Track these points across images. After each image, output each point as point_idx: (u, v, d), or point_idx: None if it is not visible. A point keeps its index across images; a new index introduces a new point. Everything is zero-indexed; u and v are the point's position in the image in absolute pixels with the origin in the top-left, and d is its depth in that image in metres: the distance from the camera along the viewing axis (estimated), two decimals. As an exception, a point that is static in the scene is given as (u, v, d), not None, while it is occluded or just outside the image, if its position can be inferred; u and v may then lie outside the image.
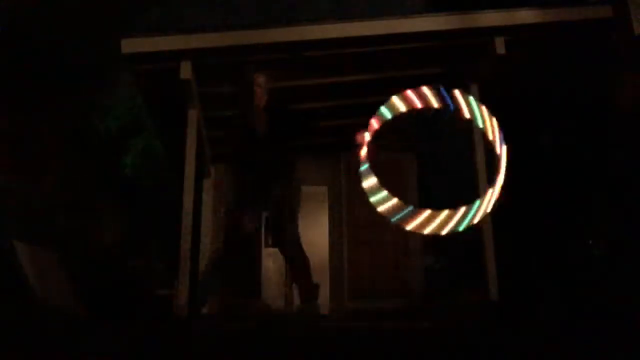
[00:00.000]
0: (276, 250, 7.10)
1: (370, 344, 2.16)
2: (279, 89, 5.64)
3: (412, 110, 3.11)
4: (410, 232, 7.92)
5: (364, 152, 2.90)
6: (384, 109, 2.98)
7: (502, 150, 2.96)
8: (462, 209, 2.90)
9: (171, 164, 7.75)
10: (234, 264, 3.45)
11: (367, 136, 2.90)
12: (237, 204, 3.47)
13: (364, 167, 2.93)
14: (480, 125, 3.03)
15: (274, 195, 3.36)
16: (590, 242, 6.92)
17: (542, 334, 2.21)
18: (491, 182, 2.97)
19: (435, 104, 3.01)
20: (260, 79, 3.53)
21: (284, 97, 3.90)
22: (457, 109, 3.00)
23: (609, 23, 4.90)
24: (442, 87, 3.00)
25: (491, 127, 2.98)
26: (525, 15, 4.97)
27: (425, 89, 3.00)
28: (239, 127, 3.56)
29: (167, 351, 2.20)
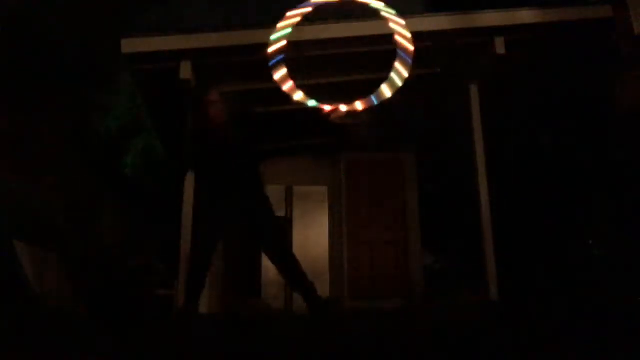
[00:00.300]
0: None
1: (370, 344, 2.16)
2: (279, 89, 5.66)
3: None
4: (410, 231, 7.89)
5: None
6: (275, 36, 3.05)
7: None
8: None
9: (171, 164, 7.75)
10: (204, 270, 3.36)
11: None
12: (204, 216, 3.40)
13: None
14: None
15: (247, 205, 3.29)
16: (590, 242, 6.92)
17: (542, 334, 2.20)
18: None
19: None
20: (212, 96, 3.50)
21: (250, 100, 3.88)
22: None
23: (609, 23, 4.91)
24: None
25: None
26: (525, 15, 4.97)
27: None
28: (198, 142, 3.55)
29: (167, 351, 2.20)
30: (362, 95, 3.26)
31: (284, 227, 3.41)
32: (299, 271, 3.23)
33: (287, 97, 3.98)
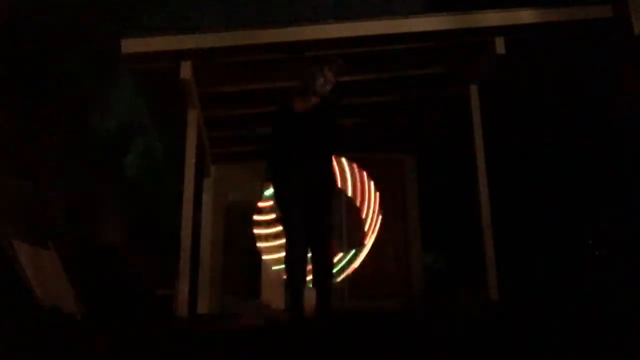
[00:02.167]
0: (276, 250, 7.12)
1: (370, 344, 2.16)
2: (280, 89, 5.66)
3: None
4: (410, 231, 7.87)
5: None
6: None
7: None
8: None
9: (171, 164, 7.76)
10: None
11: None
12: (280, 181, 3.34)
13: None
14: None
15: (312, 173, 3.23)
16: (590, 242, 6.92)
17: (542, 334, 2.20)
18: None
19: None
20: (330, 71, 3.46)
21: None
22: None
23: (609, 23, 4.90)
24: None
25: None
26: (525, 15, 4.97)
27: None
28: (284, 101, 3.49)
29: (167, 351, 2.20)
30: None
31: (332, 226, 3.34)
32: (330, 270, 3.22)
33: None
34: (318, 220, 3.22)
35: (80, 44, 10.01)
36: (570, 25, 5.02)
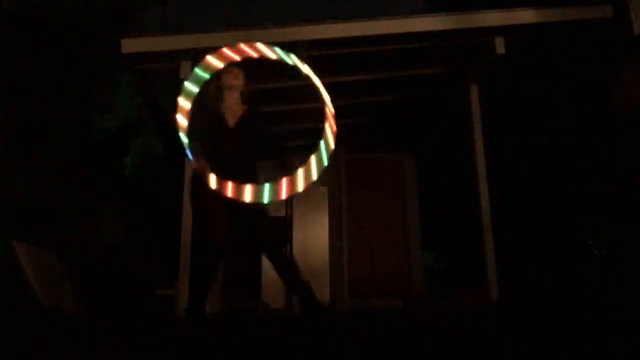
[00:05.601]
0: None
1: (370, 344, 2.16)
2: (279, 89, 5.66)
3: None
4: (410, 231, 7.84)
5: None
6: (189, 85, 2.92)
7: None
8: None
9: (171, 164, 7.76)
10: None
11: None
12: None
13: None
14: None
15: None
16: (590, 242, 6.93)
17: (542, 334, 2.21)
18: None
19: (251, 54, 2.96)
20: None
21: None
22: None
23: (609, 23, 4.91)
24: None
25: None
26: (525, 15, 4.97)
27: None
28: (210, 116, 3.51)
29: (167, 351, 2.20)
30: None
31: (278, 228, 3.34)
32: (295, 273, 3.18)
33: (286, 97, 4.01)
34: (254, 225, 3.23)
35: (81, 43, 10.01)
36: (571, 25, 5.02)
